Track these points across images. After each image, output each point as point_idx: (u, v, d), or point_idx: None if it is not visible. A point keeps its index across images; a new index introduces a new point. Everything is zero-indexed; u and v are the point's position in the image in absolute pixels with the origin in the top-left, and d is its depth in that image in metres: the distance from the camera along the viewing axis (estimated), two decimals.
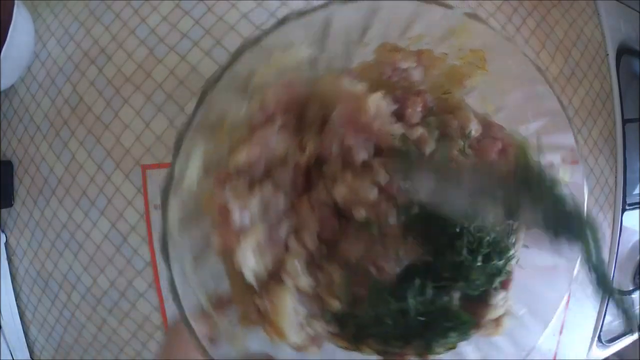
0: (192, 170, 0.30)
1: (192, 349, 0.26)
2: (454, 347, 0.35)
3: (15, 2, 0.50)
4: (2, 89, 0.56)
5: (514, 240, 0.35)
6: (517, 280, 0.37)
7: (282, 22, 0.29)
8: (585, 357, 0.67)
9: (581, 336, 0.66)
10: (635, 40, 0.69)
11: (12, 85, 0.58)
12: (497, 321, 0.36)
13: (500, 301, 0.36)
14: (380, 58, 0.35)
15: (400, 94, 0.35)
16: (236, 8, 0.53)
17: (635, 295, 0.69)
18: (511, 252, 0.35)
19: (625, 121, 0.66)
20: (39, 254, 0.57)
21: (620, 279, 0.67)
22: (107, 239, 0.54)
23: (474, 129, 0.35)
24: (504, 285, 0.36)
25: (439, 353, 0.34)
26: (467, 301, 0.35)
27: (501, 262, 0.34)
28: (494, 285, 0.35)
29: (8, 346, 0.57)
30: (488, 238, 0.33)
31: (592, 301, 0.66)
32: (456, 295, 0.35)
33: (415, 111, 0.35)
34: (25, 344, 0.59)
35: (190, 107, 0.52)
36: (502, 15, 0.59)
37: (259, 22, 0.53)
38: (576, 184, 0.35)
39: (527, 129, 0.36)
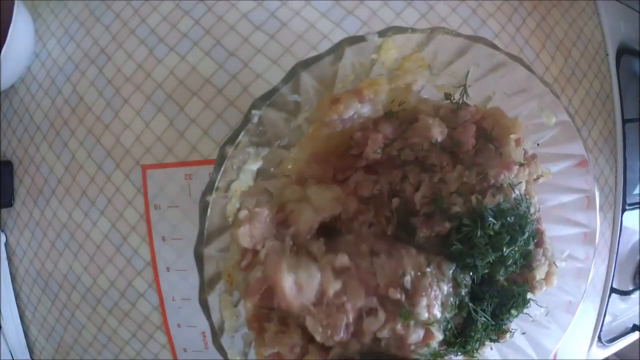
0: None
1: None
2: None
3: (15, 2, 0.50)
4: (2, 89, 0.56)
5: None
6: None
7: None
8: (585, 357, 0.67)
9: (581, 336, 0.66)
10: (635, 40, 0.69)
11: (12, 85, 0.58)
12: (547, 278, 0.39)
13: (542, 258, 0.38)
14: (325, 116, 0.35)
15: (360, 135, 0.37)
16: (236, 8, 0.53)
17: (635, 295, 0.69)
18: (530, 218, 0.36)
19: (625, 121, 0.66)
20: (39, 254, 0.57)
21: (620, 279, 0.67)
22: (107, 239, 0.54)
23: (437, 133, 0.36)
24: (538, 244, 0.38)
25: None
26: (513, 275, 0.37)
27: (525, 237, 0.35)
28: (529, 247, 0.37)
29: (8, 346, 0.57)
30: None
31: (592, 301, 0.66)
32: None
33: (375, 145, 0.37)
34: (25, 344, 0.59)
35: (190, 107, 0.52)
36: (502, 15, 0.59)
37: (259, 22, 0.53)
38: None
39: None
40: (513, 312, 0.37)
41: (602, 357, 0.69)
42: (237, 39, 0.52)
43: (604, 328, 0.67)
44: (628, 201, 0.66)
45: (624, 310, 0.70)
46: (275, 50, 0.52)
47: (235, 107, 0.51)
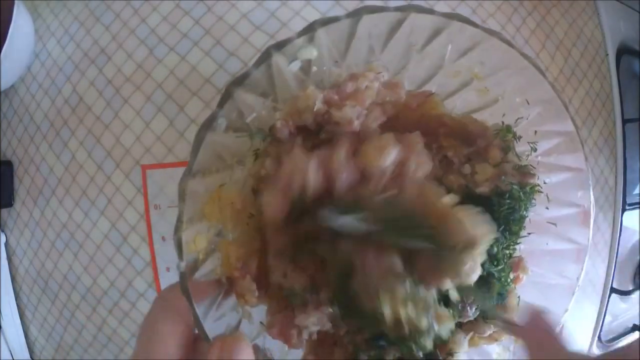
0: None
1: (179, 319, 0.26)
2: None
3: (15, 2, 0.50)
4: (2, 89, 0.56)
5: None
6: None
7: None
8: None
9: (581, 336, 0.66)
10: (635, 40, 0.69)
11: (12, 85, 0.58)
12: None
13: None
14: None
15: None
16: (236, 8, 0.53)
17: (635, 295, 0.69)
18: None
19: (625, 121, 0.66)
20: (39, 254, 0.57)
21: (621, 279, 0.67)
22: (107, 239, 0.54)
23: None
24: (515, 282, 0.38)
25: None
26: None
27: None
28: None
29: (8, 346, 0.57)
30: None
31: (592, 301, 0.66)
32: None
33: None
34: (25, 344, 0.59)
35: (190, 107, 0.52)
36: (502, 15, 0.59)
37: (259, 22, 0.53)
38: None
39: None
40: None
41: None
42: (237, 39, 0.52)
43: (604, 328, 0.67)
44: (628, 201, 0.66)
45: (624, 310, 0.70)
46: None
47: None
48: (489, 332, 0.37)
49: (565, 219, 0.39)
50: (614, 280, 0.66)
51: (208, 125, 0.29)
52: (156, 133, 0.53)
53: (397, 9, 0.30)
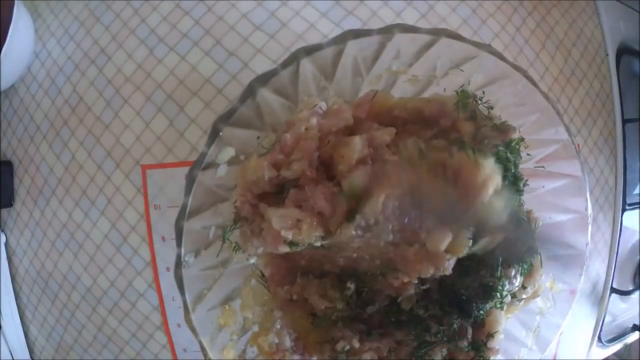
0: None
1: None
2: None
3: (15, 2, 0.50)
4: (2, 89, 0.56)
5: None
6: None
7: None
8: (585, 357, 0.67)
9: (581, 336, 0.66)
10: (635, 40, 0.69)
11: (12, 85, 0.58)
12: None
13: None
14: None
15: None
16: (236, 8, 0.53)
17: (635, 295, 0.69)
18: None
19: (625, 121, 0.66)
20: (39, 254, 0.57)
21: (621, 279, 0.67)
22: (107, 239, 0.54)
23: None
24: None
25: None
26: None
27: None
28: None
29: (8, 346, 0.57)
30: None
31: (592, 301, 0.66)
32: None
33: None
34: (25, 344, 0.59)
35: (190, 107, 0.52)
36: (502, 15, 0.59)
37: (259, 22, 0.53)
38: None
39: None
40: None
41: (602, 357, 0.69)
42: (237, 39, 0.52)
43: (604, 328, 0.67)
44: (628, 201, 0.66)
45: (624, 310, 0.70)
46: (275, 50, 0.52)
47: None
48: (525, 296, 0.38)
49: (563, 224, 0.39)
50: (614, 280, 0.66)
51: (199, 165, 0.29)
52: (156, 133, 0.53)
53: (380, 31, 0.30)
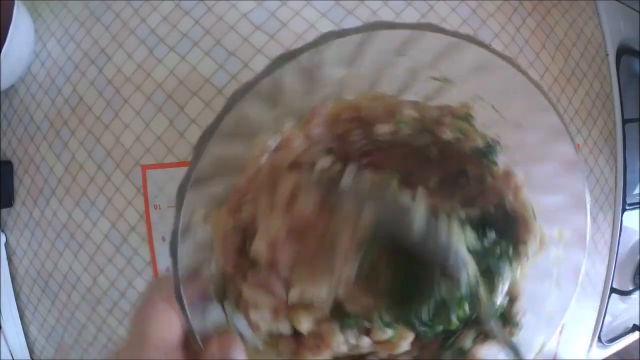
0: None
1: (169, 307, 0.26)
2: None
3: (15, 2, 0.50)
4: (2, 89, 0.56)
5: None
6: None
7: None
8: (585, 357, 0.67)
9: (581, 336, 0.66)
10: (635, 40, 0.69)
11: (12, 85, 0.58)
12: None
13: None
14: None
15: None
16: (236, 8, 0.53)
17: (635, 295, 0.69)
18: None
19: (625, 121, 0.66)
20: (39, 254, 0.57)
21: (620, 279, 0.67)
22: (107, 239, 0.54)
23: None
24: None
25: None
26: None
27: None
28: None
29: (8, 346, 0.57)
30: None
31: (592, 301, 0.66)
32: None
33: None
34: (25, 344, 0.59)
35: (190, 107, 0.52)
36: (502, 15, 0.59)
37: (259, 22, 0.53)
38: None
39: None
40: None
41: (602, 357, 0.69)
42: (237, 39, 0.53)
43: (604, 328, 0.67)
44: (628, 201, 0.66)
45: (624, 310, 0.70)
46: (275, 50, 0.52)
47: None
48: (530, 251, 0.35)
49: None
50: (614, 280, 0.66)
51: (187, 181, 0.28)
52: (156, 133, 0.53)
53: (359, 29, 0.28)
